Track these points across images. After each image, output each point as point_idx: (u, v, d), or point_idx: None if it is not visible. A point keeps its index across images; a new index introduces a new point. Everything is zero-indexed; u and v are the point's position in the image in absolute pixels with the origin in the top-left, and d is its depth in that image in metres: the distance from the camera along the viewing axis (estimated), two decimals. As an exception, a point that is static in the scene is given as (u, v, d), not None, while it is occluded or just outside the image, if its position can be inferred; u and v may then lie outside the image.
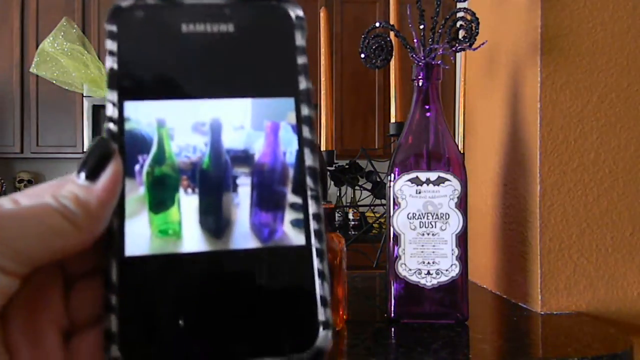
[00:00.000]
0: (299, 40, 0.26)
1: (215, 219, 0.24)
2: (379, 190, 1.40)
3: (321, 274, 0.24)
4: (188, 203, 0.25)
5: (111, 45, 0.25)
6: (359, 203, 2.92)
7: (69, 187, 0.23)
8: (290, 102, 0.26)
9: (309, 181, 0.25)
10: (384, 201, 1.27)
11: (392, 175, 0.67)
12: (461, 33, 0.71)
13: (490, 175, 0.85)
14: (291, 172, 0.25)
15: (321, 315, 0.24)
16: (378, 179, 1.43)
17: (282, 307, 0.24)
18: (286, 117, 0.26)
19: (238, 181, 0.25)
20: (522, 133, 0.76)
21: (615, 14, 0.73)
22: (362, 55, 0.73)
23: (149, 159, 0.25)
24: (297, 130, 0.26)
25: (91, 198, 0.23)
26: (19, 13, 3.18)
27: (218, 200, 0.25)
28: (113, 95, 0.25)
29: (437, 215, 0.65)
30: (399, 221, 0.66)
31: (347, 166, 1.48)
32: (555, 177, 0.72)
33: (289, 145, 0.25)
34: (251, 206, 0.25)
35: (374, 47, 0.73)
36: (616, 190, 0.73)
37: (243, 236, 0.24)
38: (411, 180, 0.66)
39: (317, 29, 1.16)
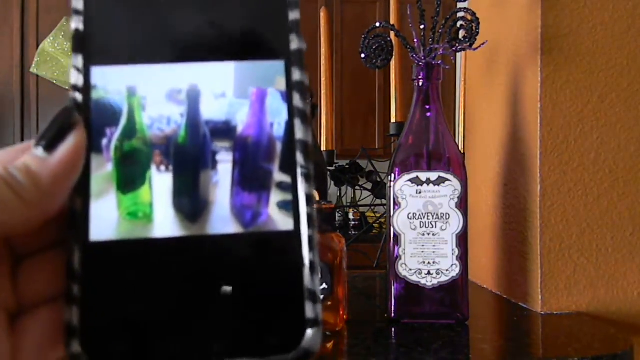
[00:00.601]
0: None
1: (191, 200, 0.22)
2: (379, 190, 1.40)
3: (311, 265, 0.21)
4: (161, 182, 0.22)
5: (76, 3, 0.23)
6: (359, 203, 2.92)
7: (23, 158, 0.21)
8: (279, 65, 0.23)
9: (299, 157, 0.22)
10: (384, 201, 1.27)
11: (393, 175, 0.67)
12: (461, 33, 0.71)
13: (490, 175, 0.85)
14: (279, 147, 0.22)
15: (309, 312, 0.21)
16: (378, 179, 1.43)
17: (265, 302, 0.21)
18: (274, 82, 0.23)
19: (218, 157, 0.22)
20: (522, 133, 0.76)
21: (615, 14, 0.73)
22: (362, 55, 0.73)
23: (117, 132, 0.22)
24: (287, 97, 0.22)
25: (44, 170, 0.20)
26: (19, 13, 3.18)
27: (195, 178, 0.22)
28: (78, 60, 0.22)
29: (437, 215, 0.65)
30: (399, 221, 0.66)
31: (347, 166, 1.48)
32: (555, 177, 0.72)
33: (277, 115, 0.22)
34: (232, 185, 0.22)
35: (374, 47, 0.73)
36: (616, 190, 0.73)
37: (222, 220, 0.22)
38: (411, 180, 0.66)
39: (317, 29, 1.16)
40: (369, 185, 1.47)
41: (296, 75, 0.23)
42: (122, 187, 0.22)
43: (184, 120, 0.22)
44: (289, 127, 0.22)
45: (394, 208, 0.66)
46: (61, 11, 3.07)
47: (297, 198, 0.22)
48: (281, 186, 0.22)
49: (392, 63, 1.00)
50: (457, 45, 0.70)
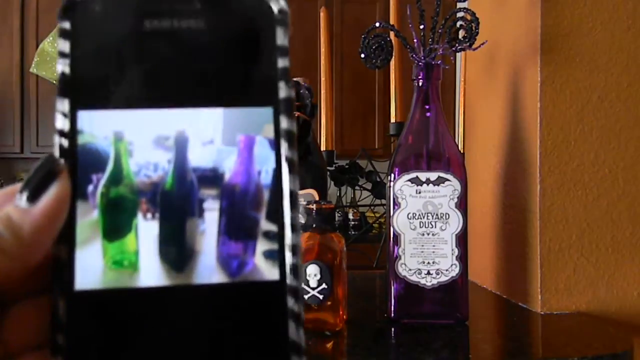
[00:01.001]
0: (281, 39, 0.23)
1: (177, 249, 0.21)
2: (379, 190, 1.40)
3: (296, 316, 0.21)
4: (147, 230, 0.21)
5: (63, 45, 0.22)
6: (359, 203, 2.92)
7: (5, 208, 0.20)
8: (267, 112, 0.22)
9: (286, 206, 0.22)
10: (384, 201, 1.27)
11: (392, 175, 0.67)
12: (461, 33, 0.71)
13: (490, 175, 0.85)
14: (266, 195, 0.22)
15: None
16: (378, 179, 1.43)
17: (249, 354, 0.21)
18: (262, 130, 0.22)
19: (205, 205, 0.22)
20: (522, 133, 0.76)
21: (615, 14, 0.73)
22: (362, 55, 0.73)
23: (104, 178, 0.22)
24: (275, 146, 0.22)
25: (25, 222, 0.20)
26: (19, 13, 3.18)
27: (181, 227, 0.22)
28: (64, 105, 0.22)
29: (437, 215, 0.65)
30: (399, 221, 0.66)
31: (347, 166, 1.48)
32: (555, 177, 0.72)
33: (264, 163, 0.22)
34: (219, 234, 0.22)
35: (374, 47, 0.73)
36: (616, 190, 0.73)
37: (208, 269, 0.21)
38: (411, 180, 0.66)
39: (317, 29, 1.16)
40: (368, 185, 1.47)
41: (284, 123, 0.22)
42: (107, 235, 0.21)
43: (171, 167, 0.22)
44: (277, 176, 0.22)
45: (394, 208, 0.66)
46: (61, 11, 3.07)
47: (284, 247, 0.22)
48: (268, 235, 0.22)
49: (392, 63, 1.00)
50: (457, 45, 0.70)
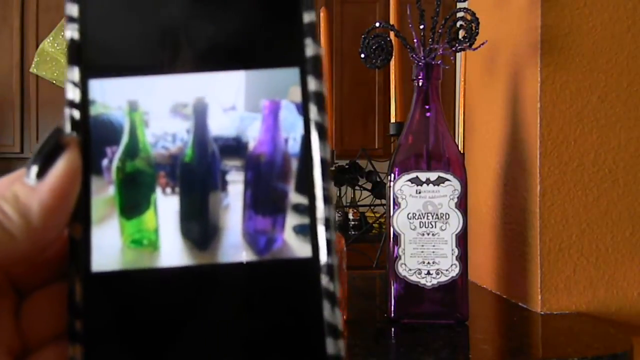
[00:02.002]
0: None
1: (199, 226, 0.20)
2: (379, 190, 1.40)
3: (330, 296, 0.19)
4: (167, 206, 0.20)
5: (71, 8, 0.20)
6: (359, 203, 2.92)
7: (13, 186, 0.19)
8: (293, 73, 0.20)
9: (317, 176, 0.20)
10: (384, 201, 1.27)
11: (392, 175, 0.67)
12: (461, 33, 0.71)
13: (490, 175, 0.85)
14: (295, 165, 0.20)
15: (330, 347, 0.19)
16: (378, 179, 1.43)
17: (281, 337, 0.19)
18: (288, 93, 0.20)
19: (228, 177, 0.20)
20: (522, 133, 0.76)
21: (615, 14, 0.73)
22: (362, 55, 0.73)
23: (119, 151, 0.20)
24: (303, 110, 0.20)
25: (33, 202, 0.18)
26: (19, 13, 3.18)
27: (203, 201, 0.20)
28: (74, 73, 0.20)
29: (437, 215, 0.65)
30: (399, 221, 0.66)
31: (347, 166, 1.48)
32: (555, 177, 0.72)
33: (292, 130, 0.20)
34: (244, 209, 0.20)
35: (374, 47, 0.73)
36: (616, 190, 0.73)
37: (234, 247, 0.20)
38: (411, 180, 0.66)
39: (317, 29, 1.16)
40: (368, 186, 1.48)
41: (312, 84, 0.20)
42: (125, 212, 0.20)
43: (190, 137, 0.20)
44: (306, 143, 0.20)
45: (394, 208, 0.66)
46: (61, 11, 3.06)
47: (315, 222, 0.20)
48: (298, 209, 0.20)
49: (392, 63, 1.00)
50: (457, 45, 0.70)
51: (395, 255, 0.66)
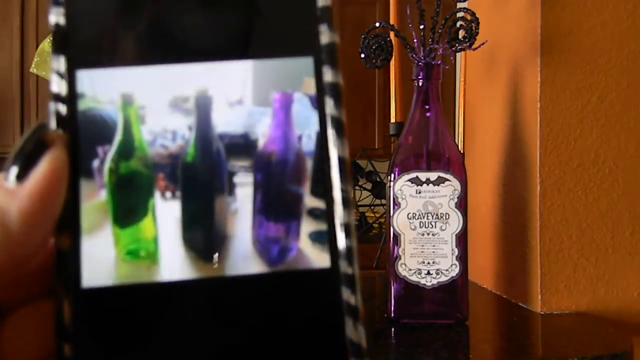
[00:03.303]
0: None
1: (204, 234, 0.18)
2: (379, 190, 1.40)
3: (353, 311, 0.17)
4: (167, 212, 0.18)
5: None
6: (359, 203, 2.92)
7: None
8: (307, 63, 0.18)
9: (334, 178, 0.18)
10: (383, 201, 1.27)
11: (392, 175, 0.67)
12: (461, 33, 0.71)
13: (490, 175, 0.85)
14: (310, 165, 0.18)
15: None
16: (378, 179, 1.43)
17: (297, 358, 0.17)
18: (302, 85, 0.18)
19: (236, 179, 0.18)
20: (522, 133, 0.76)
21: (615, 14, 0.73)
22: (362, 55, 0.73)
23: (112, 151, 0.18)
24: (318, 104, 0.18)
25: (11, 206, 0.16)
26: (19, 13, 3.18)
27: (208, 207, 0.18)
28: (60, 63, 0.18)
29: (437, 215, 0.65)
30: (399, 221, 0.66)
31: (347, 166, 1.48)
32: (555, 177, 0.72)
33: (306, 126, 0.18)
34: (254, 214, 0.18)
35: (374, 47, 0.73)
36: (616, 190, 0.73)
37: (243, 257, 0.18)
38: (411, 180, 0.66)
39: (317, 29, 1.16)
40: (368, 185, 1.48)
41: (328, 75, 0.18)
42: (119, 219, 0.18)
43: (192, 134, 0.18)
44: (322, 141, 0.18)
45: (394, 208, 0.66)
46: (61, 11, 3.08)
47: (334, 228, 0.17)
48: (314, 213, 0.18)
49: (392, 63, 1.00)
50: (457, 45, 0.70)
51: (395, 255, 0.66)
